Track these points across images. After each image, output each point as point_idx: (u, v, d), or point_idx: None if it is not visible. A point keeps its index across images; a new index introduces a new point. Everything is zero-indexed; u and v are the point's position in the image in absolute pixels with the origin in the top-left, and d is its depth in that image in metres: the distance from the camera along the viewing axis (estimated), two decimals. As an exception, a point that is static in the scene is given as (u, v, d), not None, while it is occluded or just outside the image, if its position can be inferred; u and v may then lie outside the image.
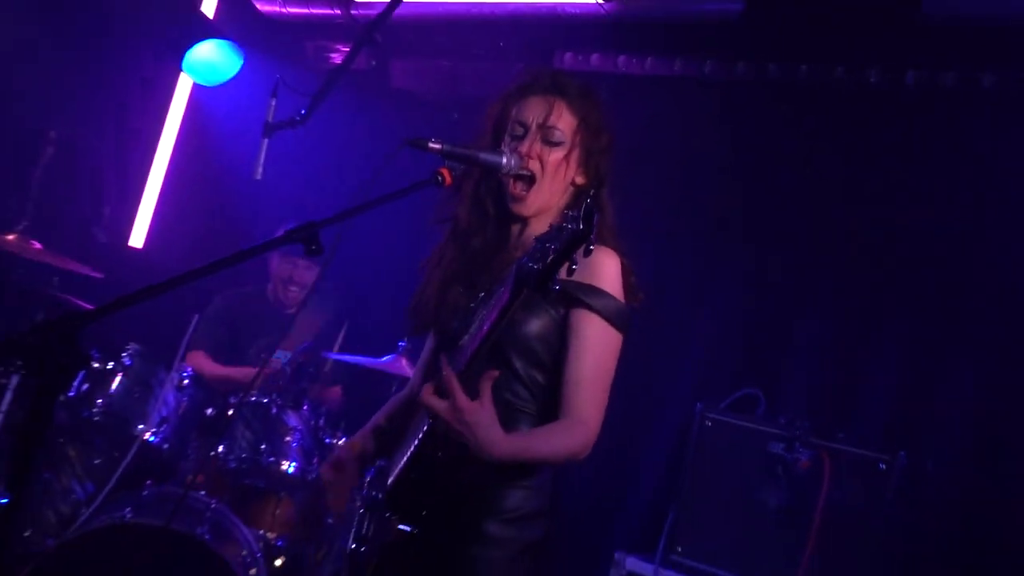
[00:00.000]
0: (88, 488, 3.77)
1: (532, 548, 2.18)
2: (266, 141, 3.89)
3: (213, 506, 3.53)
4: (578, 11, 4.37)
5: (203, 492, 3.66)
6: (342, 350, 4.42)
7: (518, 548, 2.15)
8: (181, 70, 4.73)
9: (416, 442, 2.09)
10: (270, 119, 3.88)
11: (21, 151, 4.08)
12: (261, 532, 3.79)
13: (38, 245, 3.87)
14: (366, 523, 2.22)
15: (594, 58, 4.72)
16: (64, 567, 3.20)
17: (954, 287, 4.00)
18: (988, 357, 3.88)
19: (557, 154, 2.26)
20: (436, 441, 2.04)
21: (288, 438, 3.83)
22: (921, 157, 4.15)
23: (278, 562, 3.84)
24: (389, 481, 2.21)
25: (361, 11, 4.91)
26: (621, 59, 4.65)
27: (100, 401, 3.71)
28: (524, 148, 2.24)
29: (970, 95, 3.94)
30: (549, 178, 2.26)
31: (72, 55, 4.74)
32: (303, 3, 5.15)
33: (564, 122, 2.28)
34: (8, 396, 3.71)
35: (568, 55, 4.79)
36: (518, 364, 2.18)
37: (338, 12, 5.00)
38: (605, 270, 2.17)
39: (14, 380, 3.72)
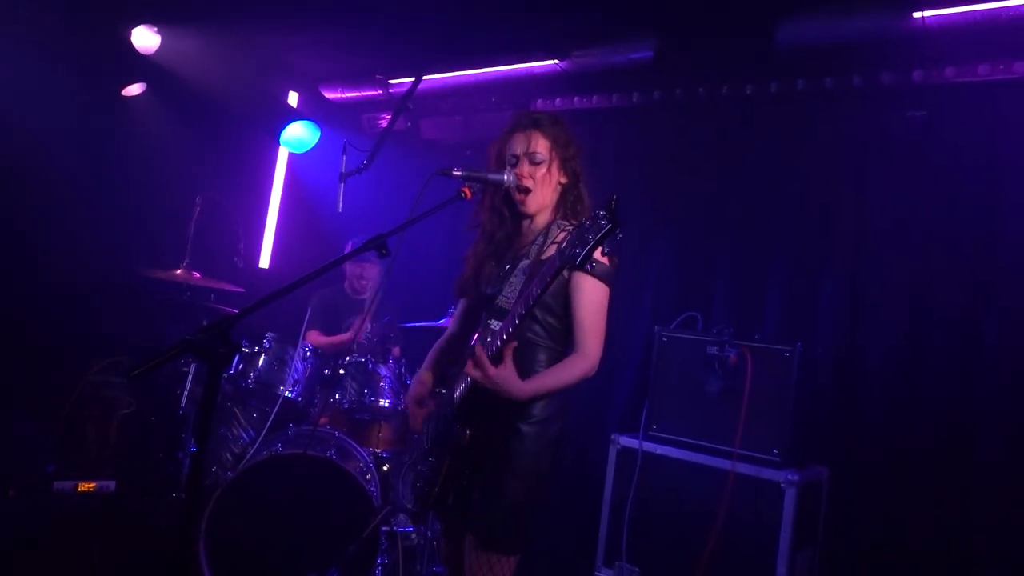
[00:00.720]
0: (250, 434, 3.78)
1: (553, 441, 2.18)
2: (342, 185, 3.85)
3: (336, 436, 3.53)
4: (544, 71, 4.31)
5: (328, 427, 3.66)
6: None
7: (544, 441, 2.16)
8: (279, 144, 4.69)
9: (469, 388, 2.14)
10: (343, 170, 3.84)
11: (180, 212, 4.07)
12: (371, 449, 3.78)
13: (198, 274, 3.86)
14: (440, 434, 2.22)
15: (557, 101, 4.68)
16: (241, 489, 3.20)
17: (819, 232, 3.95)
18: (848, 275, 3.84)
19: (541, 169, 2.26)
20: (478, 387, 2.08)
21: (381, 383, 3.81)
22: (791, 138, 4.10)
23: (385, 468, 3.84)
24: (454, 404, 2.20)
25: (396, 89, 4.87)
26: (576, 99, 4.60)
27: (252, 374, 3.70)
28: (520, 171, 2.25)
29: (815, 95, 3.89)
30: (540, 187, 2.26)
31: (207, 143, 4.72)
32: (356, 89, 5.11)
33: (541, 145, 2.26)
34: (190, 379, 3.72)
35: (540, 100, 4.74)
36: (537, 312, 2.17)
37: (380, 92, 4.96)
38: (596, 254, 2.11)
39: (192, 367, 3.74)
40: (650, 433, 3.60)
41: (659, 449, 3.53)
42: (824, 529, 3.55)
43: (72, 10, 3.99)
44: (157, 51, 4.27)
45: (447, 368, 2.41)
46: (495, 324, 2.15)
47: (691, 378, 3.53)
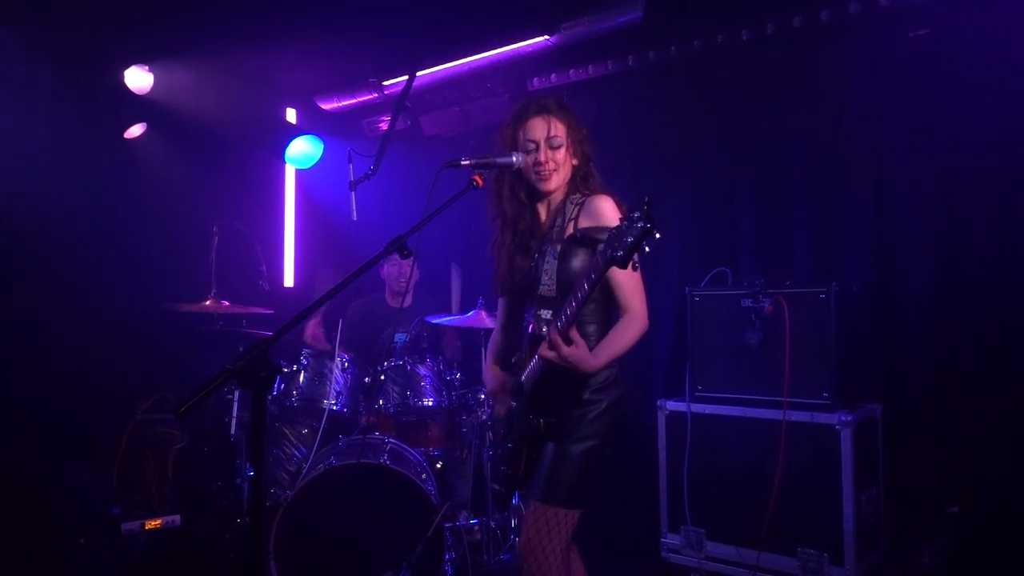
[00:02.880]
0: (302, 451, 3.82)
1: (614, 404, 2.29)
2: (354, 193, 3.86)
3: (387, 441, 3.55)
4: (535, 48, 4.26)
5: (377, 433, 3.69)
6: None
7: (603, 407, 2.26)
8: (285, 162, 4.71)
9: (538, 372, 2.19)
10: (352, 178, 3.85)
11: (199, 244, 4.10)
12: (422, 449, 3.81)
13: (226, 303, 3.90)
14: (516, 423, 2.34)
15: (553, 76, 4.63)
16: (302, 506, 3.24)
17: (837, 168, 3.89)
18: (872, 207, 3.78)
19: (560, 152, 2.33)
20: (549, 368, 2.14)
21: (423, 383, 3.83)
22: (796, 78, 4.02)
23: (438, 465, 3.87)
24: (526, 393, 2.27)
25: (391, 89, 4.85)
26: (571, 71, 4.56)
27: (295, 392, 3.73)
28: (541, 156, 2.30)
29: (814, 31, 3.80)
30: (562, 167, 2.34)
31: (214, 172, 4.76)
32: (352, 96, 5.10)
33: (558, 129, 2.33)
34: (235, 406, 3.77)
35: (536, 79, 4.70)
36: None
37: (375, 95, 4.94)
38: (609, 213, 2.23)
39: (236, 394, 3.78)
40: (696, 394, 3.58)
41: (707, 409, 3.51)
42: (884, 465, 3.51)
43: (62, 62, 4.03)
44: (152, 89, 4.30)
45: (507, 360, 2.50)
46: (545, 312, 2.23)
47: (729, 334, 3.50)
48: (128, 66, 4.21)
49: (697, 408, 3.54)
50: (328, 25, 4.18)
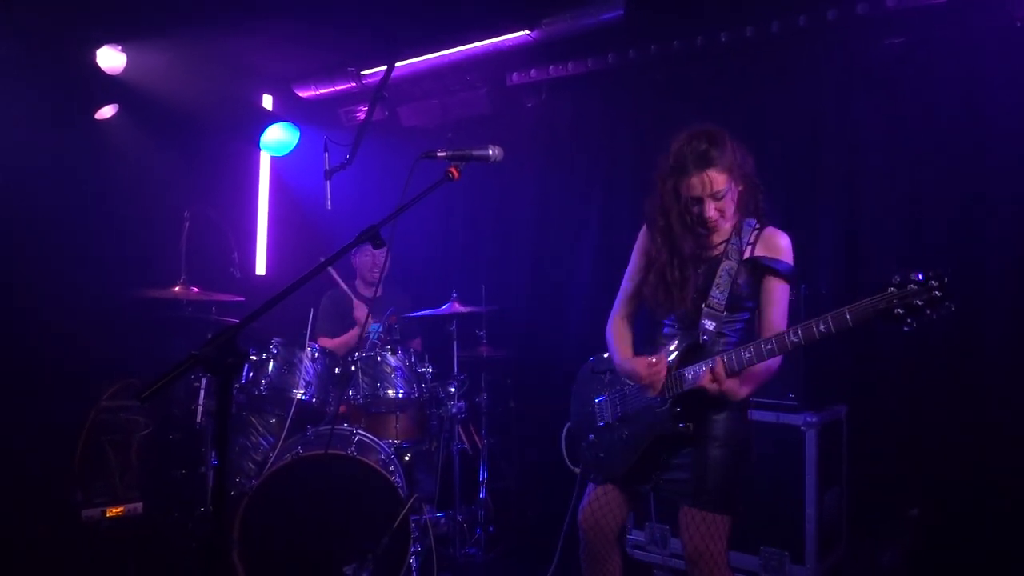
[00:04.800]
0: (269, 440, 3.78)
1: (748, 419, 2.41)
2: (328, 182, 3.83)
3: (355, 432, 3.54)
4: (515, 43, 4.25)
5: (345, 424, 3.67)
6: (413, 309, 4.38)
7: (742, 418, 2.37)
8: (260, 149, 4.65)
9: (688, 385, 2.28)
10: (327, 167, 3.82)
11: (169, 229, 4.04)
12: (390, 441, 3.80)
13: (196, 289, 3.85)
14: (644, 420, 2.40)
15: (532, 72, 4.64)
16: (267, 495, 3.22)
17: (810, 172, 3.94)
18: (843, 210, 3.84)
19: (725, 201, 2.30)
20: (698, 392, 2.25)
21: (393, 375, 3.81)
22: (772, 81, 4.07)
23: (407, 457, 3.86)
24: (668, 399, 2.33)
25: (369, 79, 4.81)
26: (551, 68, 4.56)
27: (263, 381, 3.69)
28: (709, 213, 2.28)
29: (791, 36, 3.84)
30: (727, 212, 2.33)
31: (187, 156, 4.68)
32: (330, 84, 5.06)
33: (719, 181, 2.27)
34: (202, 393, 3.72)
35: (515, 74, 4.70)
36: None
37: (354, 84, 4.90)
38: (787, 250, 2.35)
39: (204, 381, 3.74)
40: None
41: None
42: (848, 466, 3.57)
43: (33, 38, 3.94)
44: (124, 70, 4.22)
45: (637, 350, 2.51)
46: (709, 324, 2.29)
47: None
48: (101, 45, 4.12)
49: (666, 406, 3.56)
50: (307, 11, 4.14)
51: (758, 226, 2.37)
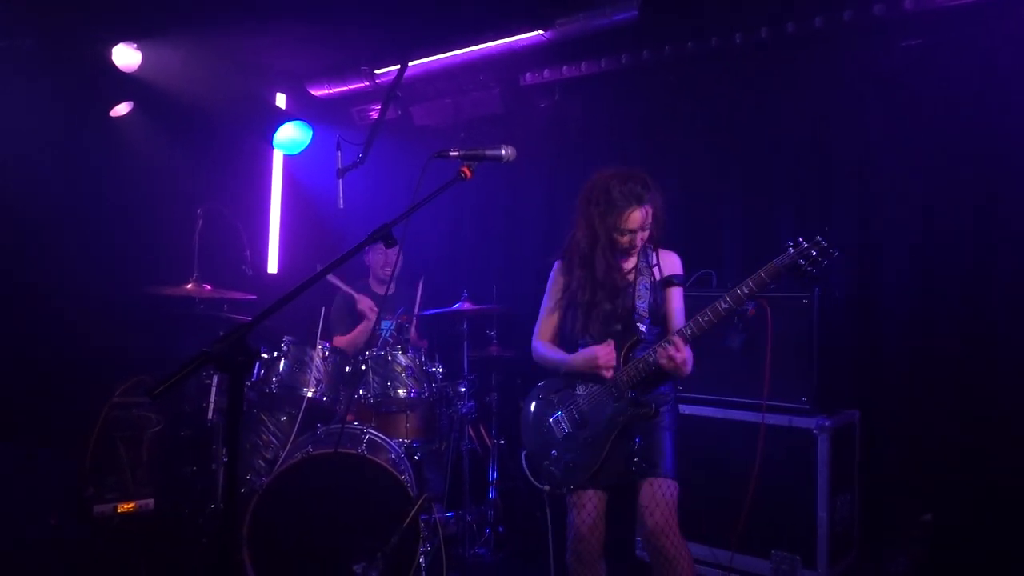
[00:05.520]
0: (280, 438, 3.78)
1: (681, 433, 2.73)
2: (341, 181, 3.84)
3: (365, 431, 3.53)
4: (528, 43, 4.25)
5: (356, 423, 3.67)
6: (424, 308, 4.38)
7: (675, 402, 2.76)
8: (273, 147, 4.66)
9: (644, 368, 2.59)
10: (340, 166, 3.83)
11: (182, 226, 4.06)
12: (401, 440, 3.79)
13: (208, 287, 3.86)
14: (603, 414, 2.66)
15: (546, 72, 4.63)
16: (277, 493, 3.22)
17: (823, 175, 3.91)
18: (857, 214, 3.81)
19: (648, 232, 2.69)
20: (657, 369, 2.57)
21: (403, 374, 3.81)
22: (787, 83, 4.04)
23: (416, 456, 3.86)
24: (627, 386, 2.63)
25: (383, 78, 4.81)
26: (564, 68, 4.56)
27: (274, 379, 3.69)
28: (636, 241, 2.66)
29: (807, 37, 3.81)
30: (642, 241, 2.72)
31: (201, 154, 4.72)
32: (342, 83, 5.06)
33: (650, 216, 2.66)
34: (213, 390, 3.73)
35: (528, 74, 4.70)
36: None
37: (367, 83, 4.91)
38: (680, 267, 2.81)
39: (215, 379, 3.75)
40: (677, 395, 3.58)
41: (687, 409, 3.52)
42: (860, 470, 3.54)
43: (48, 34, 3.96)
44: (139, 68, 4.24)
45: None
46: (641, 326, 2.67)
47: (712, 336, 3.48)
48: (116, 43, 4.15)
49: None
50: (321, 11, 4.14)
51: (652, 248, 2.78)
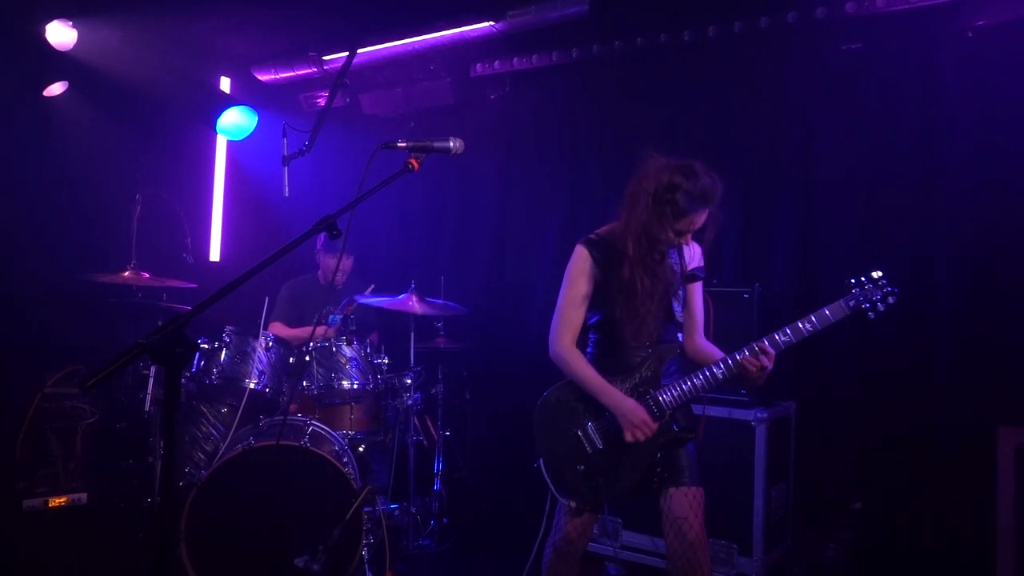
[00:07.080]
0: (220, 430, 3.72)
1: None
2: (286, 168, 3.77)
3: (309, 423, 3.50)
4: (479, 34, 4.23)
5: (299, 415, 3.63)
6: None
7: (695, 441, 2.54)
8: (216, 132, 4.55)
9: (698, 388, 2.45)
10: (285, 152, 3.76)
11: (120, 212, 3.94)
12: (344, 432, 3.76)
13: (147, 275, 3.76)
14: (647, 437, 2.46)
15: (496, 64, 4.62)
16: (216, 486, 3.16)
17: (768, 172, 4.00)
18: (800, 210, 3.91)
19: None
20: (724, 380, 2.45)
21: (348, 366, 3.78)
22: (733, 81, 4.12)
23: (360, 448, 3.84)
24: (670, 407, 2.47)
25: (331, 65, 4.74)
26: (515, 60, 4.55)
27: (215, 370, 3.63)
28: (688, 237, 2.48)
29: (752, 36, 3.89)
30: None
31: (140, 138, 4.58)
32: (290, 68, 4.97)
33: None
34: (151, 382, 3.65)
35: (479, 65, 4.68)
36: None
37: (315, 69, 4.82)
38: (700, 255, 2.63)
39: (153, 370, 3.66)
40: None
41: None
42: (795, 461, 3.65)
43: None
44: (75, 46, 4.08)
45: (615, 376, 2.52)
46: (680, 334, 2.57)
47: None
48: (50, 20, 3.98)
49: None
50: (269, -7, 4.07)
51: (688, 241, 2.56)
